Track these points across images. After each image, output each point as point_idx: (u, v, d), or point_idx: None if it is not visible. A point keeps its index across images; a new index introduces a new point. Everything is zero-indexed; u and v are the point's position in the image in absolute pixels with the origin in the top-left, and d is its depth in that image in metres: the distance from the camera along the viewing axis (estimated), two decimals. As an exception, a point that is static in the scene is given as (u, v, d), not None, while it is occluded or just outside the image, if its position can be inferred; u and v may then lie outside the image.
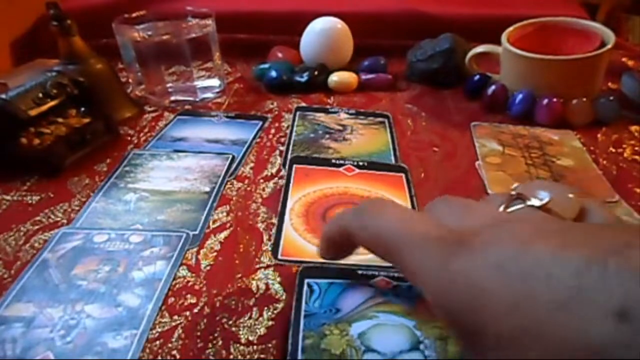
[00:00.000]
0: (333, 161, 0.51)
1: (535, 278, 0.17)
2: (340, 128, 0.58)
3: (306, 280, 0.33)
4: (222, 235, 0.41)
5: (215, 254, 0.39)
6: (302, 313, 0.30)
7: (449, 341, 0.28)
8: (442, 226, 0.23)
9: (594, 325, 0.15)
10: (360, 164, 0.50)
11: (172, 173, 0.49)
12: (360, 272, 0.34)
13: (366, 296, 0.31)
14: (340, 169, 0.50)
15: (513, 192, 0.26)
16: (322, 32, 0.70)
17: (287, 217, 0.42)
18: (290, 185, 0.47)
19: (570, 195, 0.26)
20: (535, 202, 0.24)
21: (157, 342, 0.31)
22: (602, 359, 0.15)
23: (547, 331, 0.16)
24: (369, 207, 0.26)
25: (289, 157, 0.52)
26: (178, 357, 0.30)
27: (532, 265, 0.18)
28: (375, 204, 0.26)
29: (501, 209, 0.25)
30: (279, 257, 0.38)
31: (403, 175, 0.49)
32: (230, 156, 0.52)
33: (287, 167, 0.50)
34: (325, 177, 0.48)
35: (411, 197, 0.46)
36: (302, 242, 0.39)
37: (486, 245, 0.20)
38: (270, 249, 0.39)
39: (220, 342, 0.31)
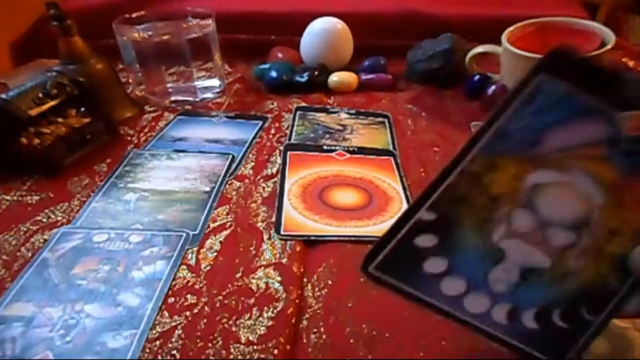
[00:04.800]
0: (325, 147, 0.54)
1: None
2: (341, 128, 0.58)
3: (542, 76, 0.21)
4: (222, 235, 0.41)
5: (215, 253, 0.39)
6: (493, 129, 0.22)
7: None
8: None
9: None
10: (351, 149, 0.53)
11: (172, 173, 0.49)
12: (623, 88, 0.22)
13: (587, 138, 0.22)
14: (332, 154, 0.52)
15: None
16: (322, 33, 0.70)
17: (285, 198, 0.45)
18: (287, 170, 0.49)
19: None
20: None
21: (157, 342, 0.31)
22: None
23: None
24: None
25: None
26: (178, 357, 0.30)
27: None
28: None
29: None
30: (282, 232, 0.41)
31: (392, 158, 0.52)
32: (230, 156, 0.52)
33: (282, 154, 0.52)
34: (318, 162, 0.51)
35: (400, 177, 0.49)
36: (301, 219, 0.42)
37: None
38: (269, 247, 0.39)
39: (220, 342, 0.31)
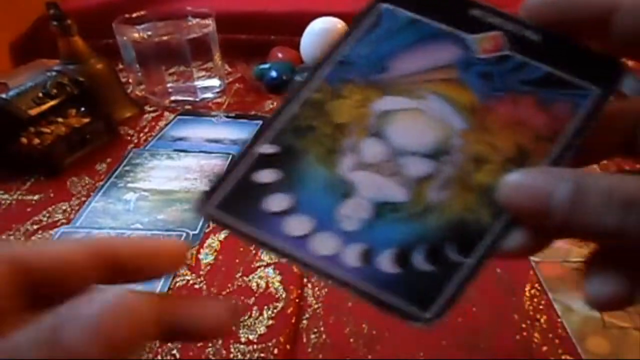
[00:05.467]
0: None
1: None
2: (340, 128, 0.58)
3: (381, 5, 0.22)
4: (222, 235, 0.41)
5: (215, 253, 0.39)
6: (337, 57, 0.21)
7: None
8: None
9: None
10: None
11: (172, 172, 0.49)
12: (472, 11, 0.21)
13: (437, 62, 0.21)
14: None
15: None
16: (322, 32, 0.70)
17: None
18: None
19: None
20: None
21: (157, 342, 0.31)
22: None
23: None
24: None
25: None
26: (178, 356, 0.30)
27: None
28: None
29: None
30: None
31: None
32: (231, 156, 0.52)
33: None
34: None
35: None
36: None
37: None
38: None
39: (220, 342, 0.31)
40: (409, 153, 0.20)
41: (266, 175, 0.20)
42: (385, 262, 0.18)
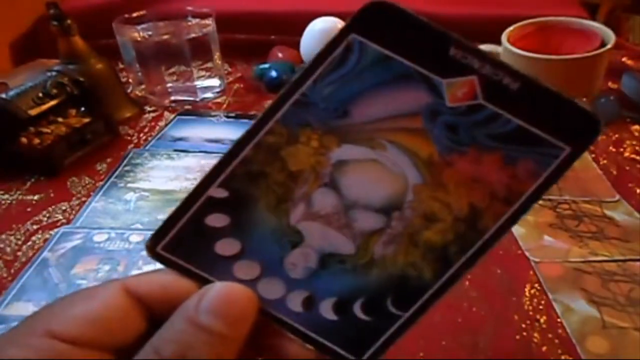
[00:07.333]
0: None
1: None
2: (340, 128, 0.58)
3: (353, 36, 0.19)
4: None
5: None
6: (296, 96, 0.19)
7: (431, 227, 0.19)
8: None
9: None
10: None
11: (172, 172, 0.49)
12: (452, 49, 0.19)
13: (403, 109, 0.19)
14: None
15: None
16: (322, 32, 0.70)
17: None
18: None
19: None
20: None
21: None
22: None
23: None
24: None
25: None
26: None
27: None
28: None
29: None
30: None
31: None
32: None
33: None
34: None
35: None
36: None
37: None
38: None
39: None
40: (360, 206, 0.20)
41: (216, 219, 0.20)
42: (326, 310, 0.19)
